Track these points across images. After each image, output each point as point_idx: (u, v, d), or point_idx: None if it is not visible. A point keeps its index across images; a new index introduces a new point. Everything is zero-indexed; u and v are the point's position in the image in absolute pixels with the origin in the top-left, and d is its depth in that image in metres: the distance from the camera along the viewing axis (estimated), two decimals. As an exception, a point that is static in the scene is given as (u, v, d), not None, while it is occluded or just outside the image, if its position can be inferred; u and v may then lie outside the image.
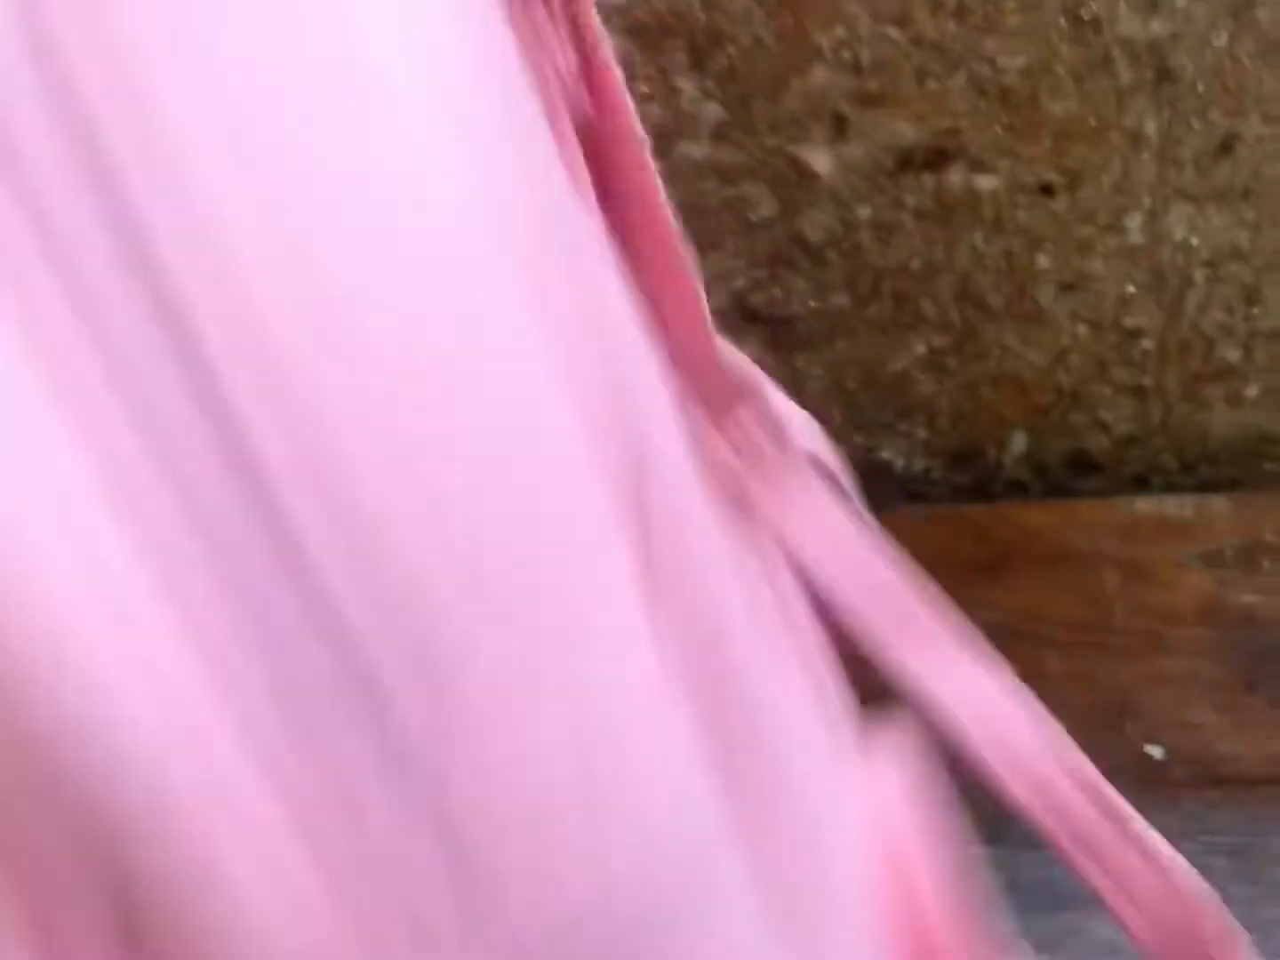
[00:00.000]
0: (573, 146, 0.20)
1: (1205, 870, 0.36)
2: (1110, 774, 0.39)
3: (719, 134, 0.42)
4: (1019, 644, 0.43)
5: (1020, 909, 0.34)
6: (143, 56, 0.14)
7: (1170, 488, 0.52)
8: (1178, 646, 0.43)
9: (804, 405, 0.26)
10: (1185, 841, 0.37)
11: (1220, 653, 0.43)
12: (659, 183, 0.21)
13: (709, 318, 0.22)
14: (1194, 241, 0.45)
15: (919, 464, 0.52)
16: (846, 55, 0.39)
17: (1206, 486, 0.51)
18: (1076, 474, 0.52)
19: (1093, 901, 0.33)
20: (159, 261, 0.14)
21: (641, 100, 0.29)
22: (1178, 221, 0.44)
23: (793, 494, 0.26)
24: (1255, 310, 0.47)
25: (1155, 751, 0.40)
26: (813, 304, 0.44)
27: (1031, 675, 0.42)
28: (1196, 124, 0.42)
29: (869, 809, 0.23)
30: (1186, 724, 0.41)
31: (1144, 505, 0.49)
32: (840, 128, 0.41)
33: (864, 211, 0.43)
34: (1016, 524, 0.48)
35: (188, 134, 0.14)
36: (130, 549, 0.14)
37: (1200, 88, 0.41)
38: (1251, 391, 0.49)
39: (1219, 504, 0.48)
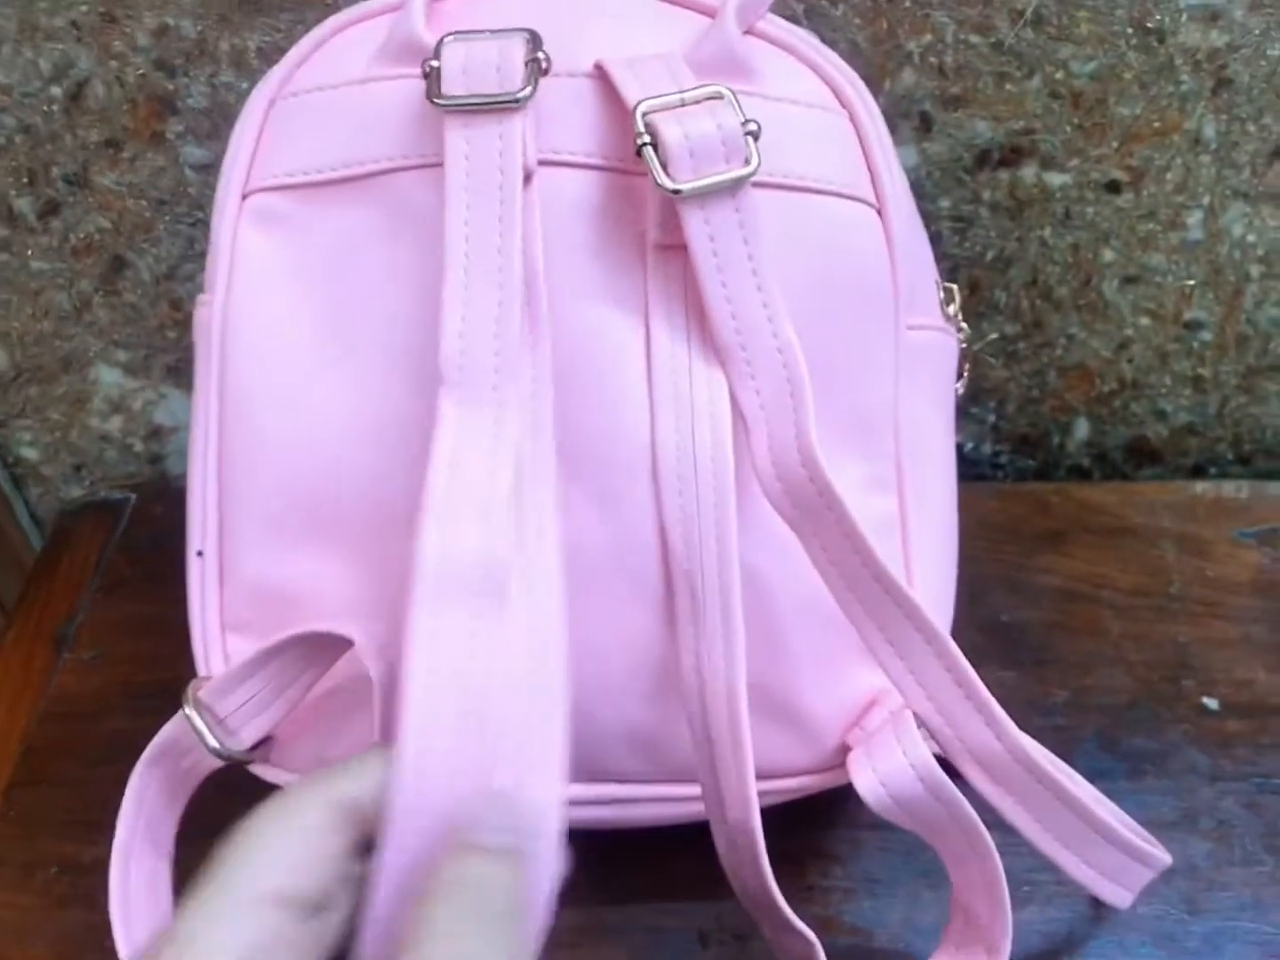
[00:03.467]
0: None
1: (1258, 806, 0.40)
2: (1170, 721, 0.42)
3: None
4: (1082, 604, 0.47)
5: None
6: None
7: (1226, 479, 0.55)
8: (1232, 614, 0.46)
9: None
10: (1239, 782, 0.40)
11: (1273, 621, 0.46)
12: None
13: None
14: (1250, 239, 0.48)
15: (988, 448, 0.55)
16: (933, 60, 0.43)
17: (1261, 477, 0.53)
18: (1136, 462, 0.56)
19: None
20: None
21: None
22: (1235, 220, 0.47)
23: None
24: (1309, 305, 0.49)
25: (1211, 703, 0.43)
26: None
27: (1093, 633, 0.45)
28: (1253, 128, 0.45)
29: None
30: (1239, 680, 0.44)
31: (1201, 487, 0.51)
32: (926, 125, 0.45)
33: (944, 203, 0.47)
34: (1078, 500, 0.51)
35: None
36: None
37: (1256, 94, 0.44)
38: (1306, 383, 0.52)
39: (1275, 488, 0.51)
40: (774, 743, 0.32)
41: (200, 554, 0.33)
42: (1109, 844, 0.31)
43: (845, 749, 0.33)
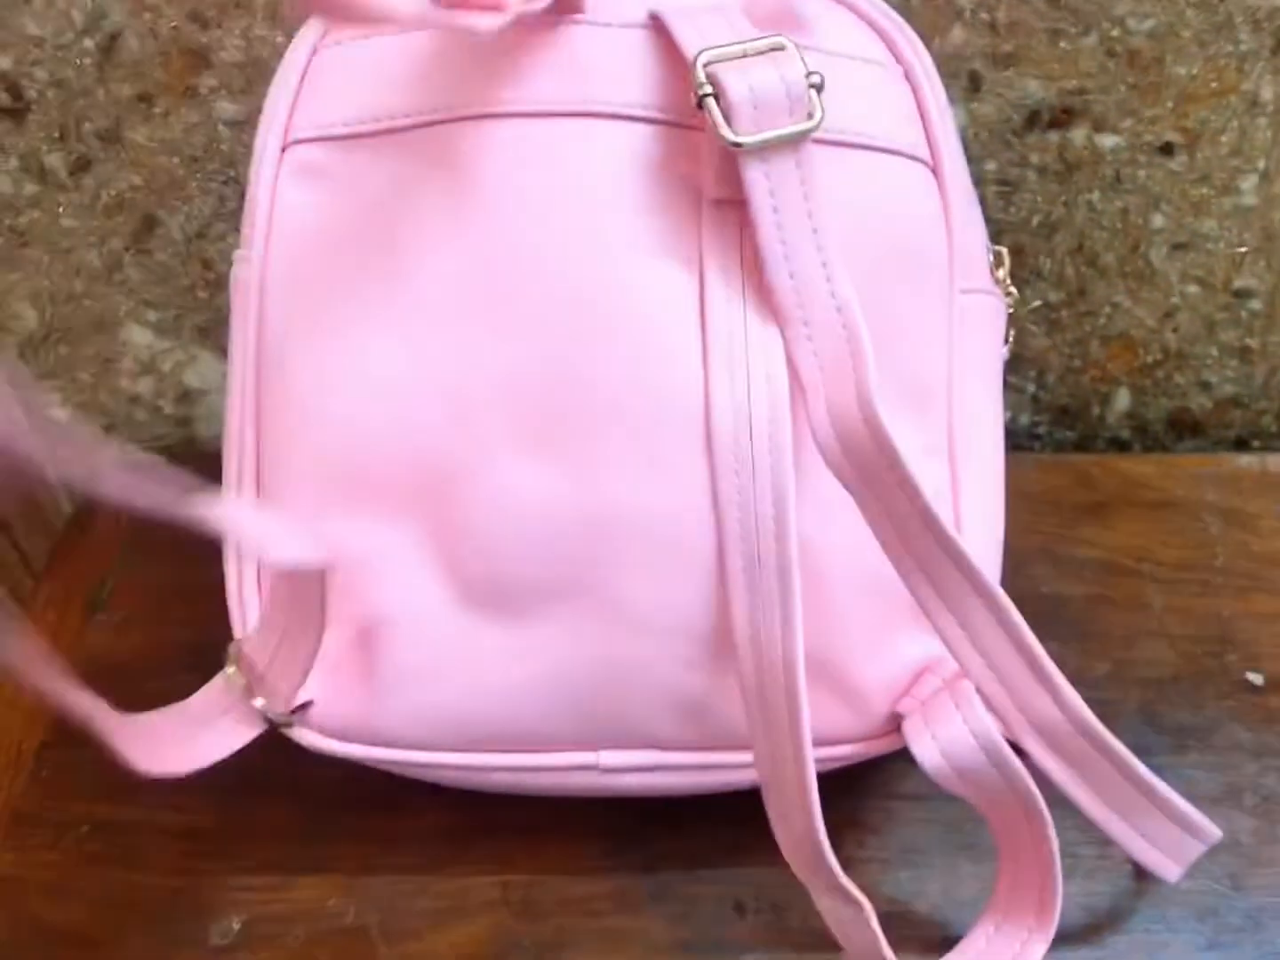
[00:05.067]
0: None
1: (1305, 783, 0.39)
2: (1213, 696, 0.41)
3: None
4: (1124, 578, 0.46)
5: None
6: None
7: (1270, 451, 0.54)
8: (1278, 589, 0.45)
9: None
10: (1286, 757, 0.40)
11: (1319, 596, 0.45)
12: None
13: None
14: (1305, 206, 0.47)
15: (1026, 418, 0.54)
16: (984, 16, 0.42)
17: (1306, 450, 0.53)
18: (1177, 434, 0.55)
19: None
20: None
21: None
22: (1291, 185, 0.46)
23: None
24: (1363, 273, 0.48)
25: (1256, 679, 0.42)
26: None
27: (1135, 607, 0.45)
28: (1312, 91, 0.44)
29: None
30: (1286, 655, 0.43)
31: (1246, 460, 0.50)
32: (975, 85, 0.44)
33: (990, 166, 0.46)
34: (1120, 472, 0.50)
35: None
36: None
37: (1317, 55, 0.43)
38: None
39: (1322, 462, 0.50)
40: (824, 709, 0.32)
41: None
42: (1164, 816, 0.31)
43: (895, 717, 0.32)
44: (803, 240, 0.28)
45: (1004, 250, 0.37)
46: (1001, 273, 0.37)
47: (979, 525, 0.34)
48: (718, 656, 0.30)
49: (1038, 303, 0.50)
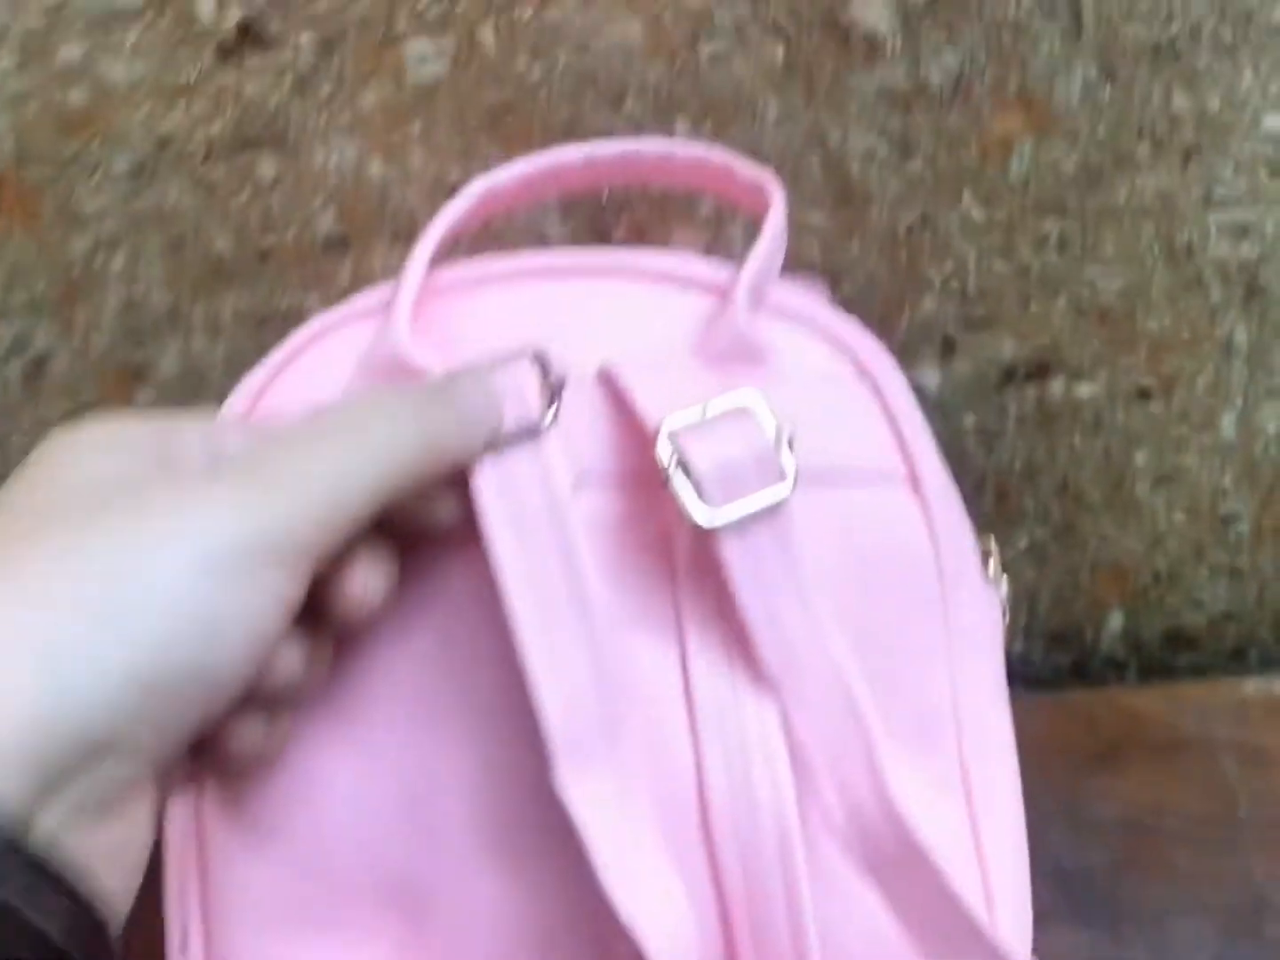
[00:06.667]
0: None
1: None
2: (1256, 976, 0.39)
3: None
4: (1147, 838, 0.43)
5: None
6: None
7: (1267, 662, 0.52)
8: (1308, 838, 0.43)
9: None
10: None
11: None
12: None
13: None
14: (1286, 432, 0.46)
15: (1018, 647, 0.53)
16: (955, 285, 0.41)
17: (1306, 656, 0.51)
18: (1173, 650, 0.53)
19: None
20: None
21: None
22: (1270, 418, 0.45)
23: None
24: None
25: (1299, 953, 0.40)
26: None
27: (1163, 872, 0.42)
28: (1285, 330, 0.43)
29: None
30: (1328, 923, 0.40)
31: (1252, 686, 0.49)
32: (949, 348, 0.43)
33: (969, 420, 0.45)
34: (1126, 711, 0.48)
35: None
36: None
37: (1288, 299, 0.42)
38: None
39: (1328, 681, 0.48)
40: None
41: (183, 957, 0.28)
42: None
43: None
44: (790, 606, 0.26)
45: (991, 538, 0.35)
46: (991, 567, 0.35)
47: (1006, 866, 0.31)
48: None
49: (1024, 542, 0.49)
